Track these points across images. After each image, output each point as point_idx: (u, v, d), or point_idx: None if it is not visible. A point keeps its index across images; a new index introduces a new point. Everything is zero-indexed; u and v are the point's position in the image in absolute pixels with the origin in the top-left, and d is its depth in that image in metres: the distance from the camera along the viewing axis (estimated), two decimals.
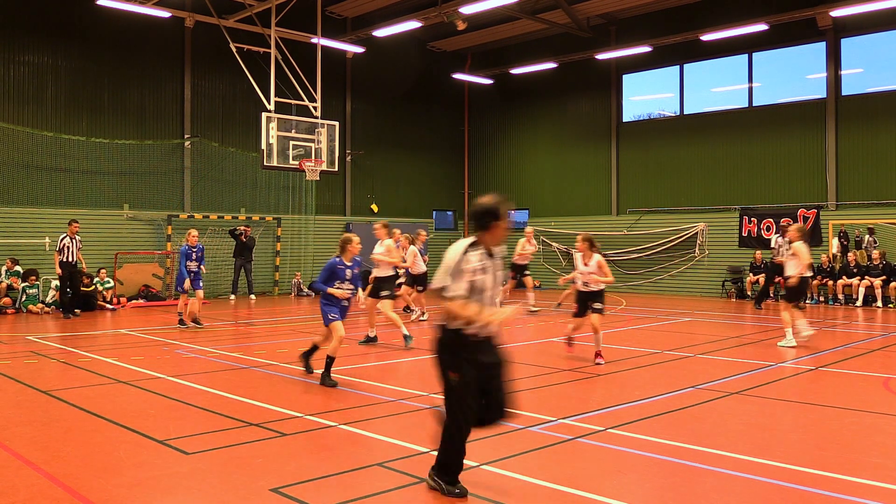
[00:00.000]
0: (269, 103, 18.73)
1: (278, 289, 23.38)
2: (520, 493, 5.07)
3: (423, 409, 7.48)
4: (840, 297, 19.77)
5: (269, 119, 18.41)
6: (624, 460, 5.86)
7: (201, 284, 14.70)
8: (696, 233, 23.33)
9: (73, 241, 16.32)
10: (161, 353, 11.20)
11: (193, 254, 14.39)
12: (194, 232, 14.59)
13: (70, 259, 16.23)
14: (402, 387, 8.55)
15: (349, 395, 8.18)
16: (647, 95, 25.95)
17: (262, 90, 18.85)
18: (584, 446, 6.17)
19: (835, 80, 21.24)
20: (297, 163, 18.95)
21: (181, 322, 14.55)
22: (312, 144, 19.19)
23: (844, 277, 19.79)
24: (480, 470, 5.51)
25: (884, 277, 18.99)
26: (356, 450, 6.00)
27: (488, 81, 27.88)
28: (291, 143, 18.85)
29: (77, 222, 16.56)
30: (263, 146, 18.39)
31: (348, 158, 25.71)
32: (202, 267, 14.72)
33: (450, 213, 29.95)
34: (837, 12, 19.53)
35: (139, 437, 6.37)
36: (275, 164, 18.62)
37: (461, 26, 21.74)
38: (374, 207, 26.74)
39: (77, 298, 16.66)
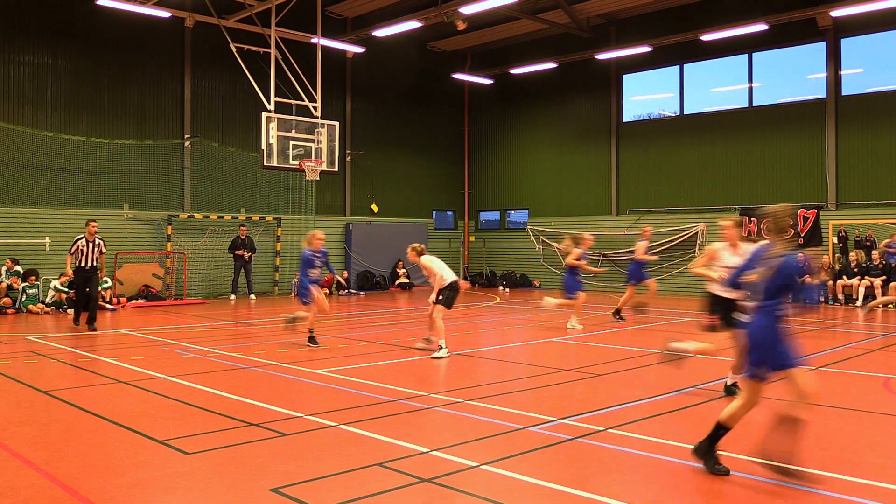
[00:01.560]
0: (269, 103, 18.73)
1: (278, 289, 23.38)
2: (520, 494, 5.06)
3: (423, 409, 7.48)
4: (840, 297, 19.77)
5: (268, 119, 18.41)
6: (625, 460, 5.86)
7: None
8: (697, 233, 23.32)
9: (91, 244, 14.23)
10: (161, 353, 11.21)
11: (317, 259, 12.15)
12: (320, 234, 12.23)
13: (85, 264, 14.20)
14: (402, 387, 8.55)
15: (349, 395, 8.18)
16: (647, 95, 25.95)
17: (261, 90, 18.85)
18: (585, 446, 6.17)
19: (835, 80, 21.23)
20: (297, 163, 18.94)
21: (312, 340, 11.92)
22: (312, 144, 19.18)
23: (845, 278, 19.79)
24: (480, 470, 5.50)
25: (884, 277, 18.97)
26: (356, 450, 6.00)
27: (488, 81, 27.88)
28: (291, 143, 18.84)
29: (95, 222, 14.63)
30: (263, 146, 18.39)
31: (348, 158, 25.72)
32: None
33: (450, 213, 29.96)
34: (837, 12, 19.52)
35: (139, 437, 6.37)
36: (275, 164, 18.61)
37: (461, 26, 21.74)
38: (374, 207, 26.75)
39: (81, 303, 14.84)
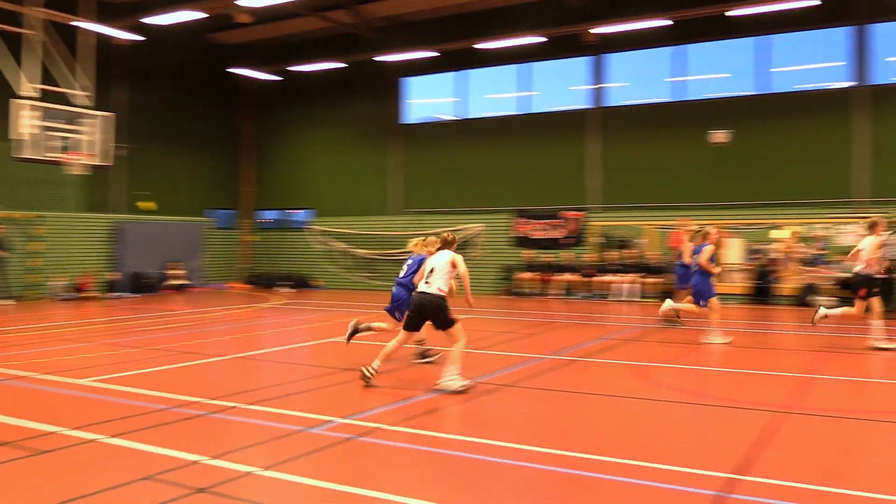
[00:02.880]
0: (24, 89, 17.12)
1: (36, 292, 21.40)
2: (300, 496, 5.02)
3: (197, 415, 7.19)
4: (600, 292, 21.53)
5: (24, 106, 16.84)
6: (405, 456, 5.99)
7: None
8: (475, 233, 24.28)
9: None
10: None
11: (417, 265, 10.15)
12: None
13: None
14: (176, 393, 8.16)
15: (117, 405, 7.68)
16: (429, 99, 26.69)
17: (22, 74, 17.19)
18: (365, 445, 6.23)
19: (599, 92, 23.08)
20: (60, 155, 17.49)
21: (426, 356, 10.67)
22: (79, 136, 17.82)
23: (602, 274, 21.54)
24: (258, 475, 5.38)
25: (641, 274, 20.89)
26: (123, 464, 5.65)
27: (274, 78, 27.27)
28: (55, 133, 17.37)
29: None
30: (17, 136, 16.81)
31: (121, 152, 24.08)
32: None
33: (228, 211, 28.98)
34: (599, 30, 21.32)
35: None
36: (32, 155, 17.04)
37: (245, 19, 21.13)
38: (151, 205, 25.21)
39: None
